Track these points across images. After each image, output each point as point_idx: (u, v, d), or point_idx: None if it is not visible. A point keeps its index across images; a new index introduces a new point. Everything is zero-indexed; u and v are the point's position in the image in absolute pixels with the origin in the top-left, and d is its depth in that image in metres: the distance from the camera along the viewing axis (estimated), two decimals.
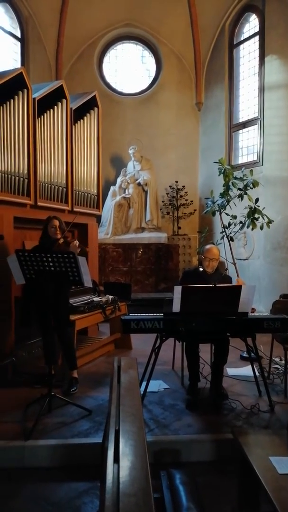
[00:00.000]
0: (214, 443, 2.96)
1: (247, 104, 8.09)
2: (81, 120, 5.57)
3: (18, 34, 7.89)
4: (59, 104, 5.08)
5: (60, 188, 5.12)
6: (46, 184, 4.89)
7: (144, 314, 3.53)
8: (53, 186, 5.00)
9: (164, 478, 1.77)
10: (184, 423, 3.22)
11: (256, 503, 2.11)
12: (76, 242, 3.81)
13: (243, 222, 5.22)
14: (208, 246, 3.93)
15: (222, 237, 5.35)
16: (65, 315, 3.98)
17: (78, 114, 5.51)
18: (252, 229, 5.21)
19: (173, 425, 3.17)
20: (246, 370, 4.32)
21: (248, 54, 8.10)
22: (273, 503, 1.62)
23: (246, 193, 5.20)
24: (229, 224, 5.30)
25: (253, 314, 3.76)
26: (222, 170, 5.28)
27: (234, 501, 2.21)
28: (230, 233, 5.29)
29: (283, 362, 4.22)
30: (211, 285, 3.38)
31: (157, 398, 3.69)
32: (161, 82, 9.19)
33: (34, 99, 4.65)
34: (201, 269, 3.86)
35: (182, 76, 9.12)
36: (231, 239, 5.33)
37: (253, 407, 3.45)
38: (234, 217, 5.27)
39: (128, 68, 9.40)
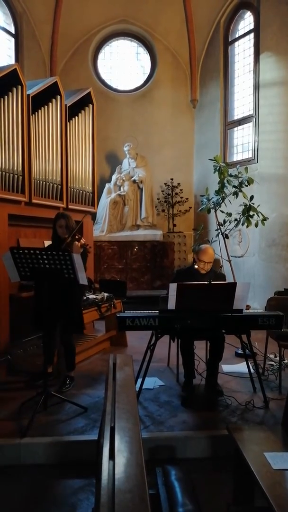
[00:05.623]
0: (209, 439, 2.98)
1: (242, 102, 8.09)
2: (76, 117, 5.54)
3: (12, 30, 7.83)
4: (54, 100, 5.05)
5: (55, 185, 5.10)
6: (41, 181, 4.87)
7: (140, 312, 3.53)
8: (47, 183, 4.97)
9: (160, 475, 1.78)
10: (179, 419, 3.23)
11: (251, 499, 2.13)
12: (79, 243, 3.78)
13: (238, 219, 5.23)
14: (203, 248, 3.81)
15: (217, 235, 5.36)
16: (79, 320, 3.91)
17: (73, 111, 5.49)
18: (247, 226, 5.23)
19: (169, 422, 3.18)
20: (241, 367, 4.34)
21: (243, 51, 8.09)
22: (267, 498, 1.63)
23: (241, 191, 5.21)
24: (224, 222, 5.31)
25: (248, 311, 3.78)
26: (217, 168, 5.29)
27: (229, 497, 2.23)
28: (225, 230, 5.30)
29: (277, 358, 4.25)
30: (206, 283, 3.39)
31: (153, 395, 3.70)
32: (156, 79, 9.16)
33: (28, 95, 4.63)
34: (196, 266, 3.83)
35: (177, 73, 9.10)
36: (226, 237, 5.34)
37: (248, 403, 3.46)
38: (229, 214, 5.28)
39: (123, 65, 9.36)
